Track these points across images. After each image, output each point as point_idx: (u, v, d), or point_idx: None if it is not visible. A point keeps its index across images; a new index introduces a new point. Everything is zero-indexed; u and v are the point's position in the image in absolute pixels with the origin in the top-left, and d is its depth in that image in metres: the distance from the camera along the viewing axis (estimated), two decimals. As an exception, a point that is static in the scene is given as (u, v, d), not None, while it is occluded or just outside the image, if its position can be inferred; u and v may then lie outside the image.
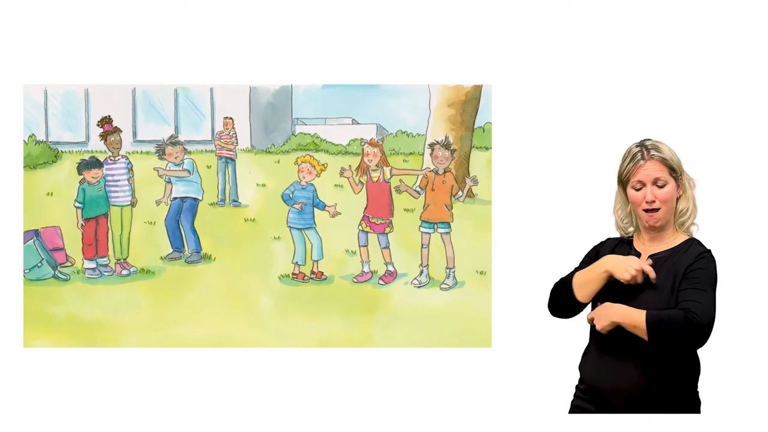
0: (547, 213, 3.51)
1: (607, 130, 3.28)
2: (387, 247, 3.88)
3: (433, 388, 3.54)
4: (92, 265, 3.89)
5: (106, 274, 3.90)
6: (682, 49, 3.57)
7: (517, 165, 3.64)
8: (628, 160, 2.32)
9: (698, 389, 2.33)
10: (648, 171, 2.27)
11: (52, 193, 3.89)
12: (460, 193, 3.82)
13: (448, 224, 3.83)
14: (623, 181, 2.35)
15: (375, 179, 3.87)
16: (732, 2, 3.54)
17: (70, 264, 3.89)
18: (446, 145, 3.80)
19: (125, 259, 3.92)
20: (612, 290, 2.31)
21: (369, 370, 3.60)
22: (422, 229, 3.85)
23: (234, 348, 3.61)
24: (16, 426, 3.42)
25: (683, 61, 3.57)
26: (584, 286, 2.33)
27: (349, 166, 3.87)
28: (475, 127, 3.94)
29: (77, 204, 3.87)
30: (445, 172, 3.83)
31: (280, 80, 3.84)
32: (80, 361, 3.60)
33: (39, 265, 3.78)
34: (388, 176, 3.87)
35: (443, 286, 3.82)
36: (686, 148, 3.19)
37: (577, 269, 2.43)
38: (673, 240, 2.33)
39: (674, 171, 2.29)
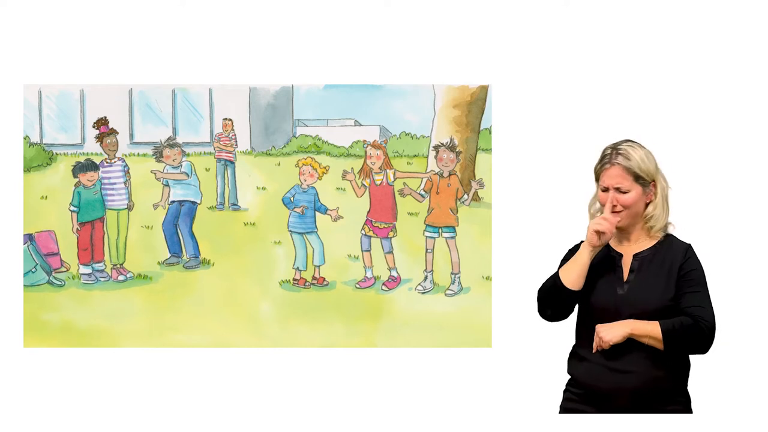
0: (548, 214, 3.50)
1: (610, 132, 3.25)
2: (390, 252, 3.84)
3: (434, 387, 3.55)
4: (88, 270, 3.85)
5: (102, 279, 3.86)
6: (685, 49, 3.59)
7: (517, 167, 3.63)
8: (599, 160, 2.41)
9: (688, 387, 2.42)
10: (610, 177, 2.35)
11: (46, 197, 3.84)
12: (465, 196, 3.79)
13: (453, 228, 3.79)
14: (597, 179, 2.45)
15: (378, 182, 3.83)
16: (732, 1, 3.57)
17: (65, 269, 3.84)
18: (451, 147, 3.77)
19: (122, 264, 3.89)
20: (607, 291, 2.38)
21: (369, 369, 3.61)
22: (426, 234, 3.81)
23: (233, 348, 3.62)
24: (17, 425, 3.42)
25: (686, 61, 3.59)
26: (570, 271, 2.38)
27: (352, 168, 3.84)
28: (481, 128, 3.90)
29: (72, 208, 3.83)
30: (450, 174, 3.79)
31: (280, 80, 3.83)
32: (81, 361, 3.61)
33: (33, 270, 3.75)
34: (392, 179, 3.83)
35: (448, 292, 3.79)
36: (688, 146, 3.40)
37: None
38: (650, 238, 2.41)
39: (640, 178, 2.35)
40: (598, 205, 2.47)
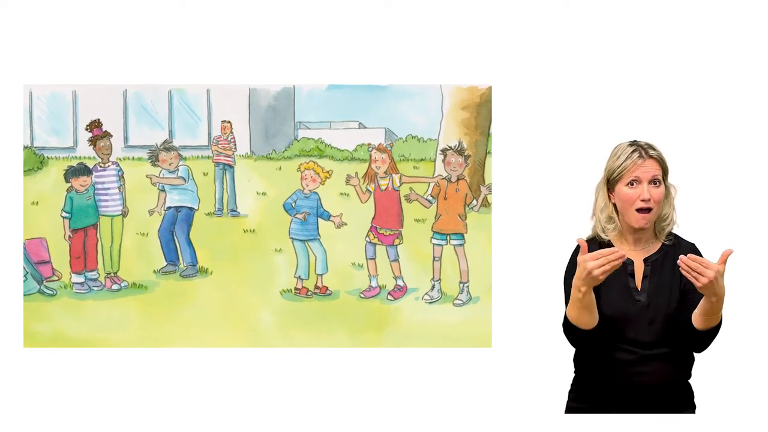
0: (550, 217, 3.50)
1: (612, 133, 3.34)
2: (396, 260, 3.78)
3: (433, 387, 3.56)
4: (80, 279, 3.79)
5: (96, 288, 3.80)
6: (688, 48, 3.59)
7: (518, 170, 3.63)
8: (623, 158, 2.38)
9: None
10: (647, 169, 2.35)
11: (37, 203, 3.77)
12: (474, 202, 3.73)
13: (461, 235, 3.74)
14: (613, 179, 2.41)
15: (383, 187, 3.77)
16: (733, 1, 3.58)
17: (56, 278, 3.78)
18: (460, 151, 3.71)
19: (116, 272, 3.83)
20: (625, 300, 2.37)
21: (369, 369, 3.60)
22: (434, 241, 3.76)
23: (232, 348, 3.64)
24: (17, 425, 3.43)
25: (688, 62, 3.60)
26: (579, 317, 2.29)
27: (356, 173, 3.78)
28: (491, 131, 3.80)
29: (64, 214, 3.77)
30: (458, 179, 3.73)
31: (281, 81, 3.79)
32: (82, 361, 3.63)
33: (24, 279, 3.69)
34: (398, 184, 3.77)
35: (456, 301, 3.72)
36: (691, 150, 3.41)
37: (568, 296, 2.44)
38: (657, 240, 2.44)
39: (665, 173, 2.41)
40: (609, 210, 2.41)
